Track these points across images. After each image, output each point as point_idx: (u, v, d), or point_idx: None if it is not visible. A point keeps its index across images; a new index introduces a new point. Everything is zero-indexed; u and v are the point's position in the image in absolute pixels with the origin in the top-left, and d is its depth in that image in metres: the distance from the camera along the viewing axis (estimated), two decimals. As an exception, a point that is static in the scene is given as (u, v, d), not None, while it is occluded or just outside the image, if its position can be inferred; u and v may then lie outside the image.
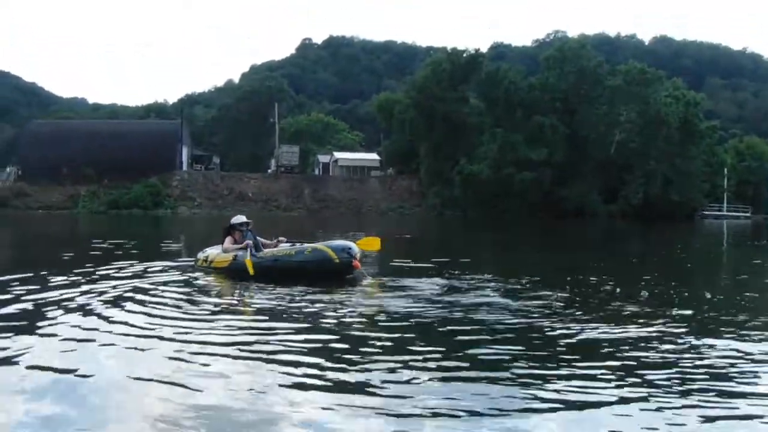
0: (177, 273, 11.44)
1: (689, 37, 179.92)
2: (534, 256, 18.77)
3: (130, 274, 11.20)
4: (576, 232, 36.61)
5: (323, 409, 4.35)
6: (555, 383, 4.85)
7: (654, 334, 6.51)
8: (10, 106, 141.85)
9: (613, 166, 60.82)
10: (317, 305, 8.14)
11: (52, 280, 10.02)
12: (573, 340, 6.32)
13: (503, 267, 14.23)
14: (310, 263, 10.37)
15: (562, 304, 8.26)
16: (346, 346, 6.01)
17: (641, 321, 7.21)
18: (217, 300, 8.77)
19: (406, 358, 5.48)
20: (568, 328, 6.76)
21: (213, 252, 11.76)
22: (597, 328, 6.80)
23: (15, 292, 8.76)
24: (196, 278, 10.83)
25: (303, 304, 8.22)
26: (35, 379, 4.93)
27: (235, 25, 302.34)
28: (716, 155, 67.05)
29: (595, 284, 10.63)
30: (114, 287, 9.35)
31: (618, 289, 9.93)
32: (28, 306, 7.86)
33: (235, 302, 8.81)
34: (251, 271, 10.50)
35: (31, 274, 10.65)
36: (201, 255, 12.03)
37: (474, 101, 67.62)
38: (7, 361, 5.33)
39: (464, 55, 67.65)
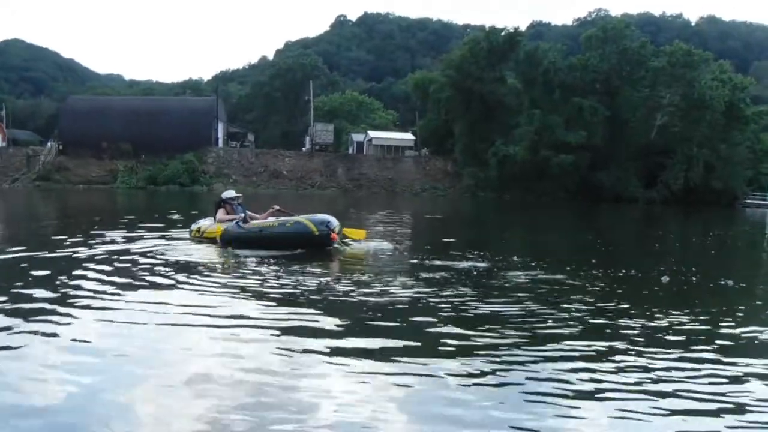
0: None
1: (738, 17, 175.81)
2: (567, 241, 18.29)
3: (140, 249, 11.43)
4: (613, 218, 35.93)
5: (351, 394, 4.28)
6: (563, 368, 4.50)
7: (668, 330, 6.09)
8: (49, 82, 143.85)
9: (654, 151, 59.44)
10: (314, 281, 8.27)
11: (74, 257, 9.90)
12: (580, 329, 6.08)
13: (534, 251, 13.89)
14: (291, 234, 11.14)
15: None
16: (361, 327, 6.01)
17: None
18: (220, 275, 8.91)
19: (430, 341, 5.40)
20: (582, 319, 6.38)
21: (205, 224, 12.73)
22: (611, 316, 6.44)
23: (59, 265, 8.67)
24: (191, 252, 11.23)
25: (313, 282, 8.05)
26: (73, 354, 5.01)
27: (270, 2, 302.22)
28: (762, 142, 65.02)
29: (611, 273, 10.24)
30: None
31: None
32: (58, 282, 7.84)
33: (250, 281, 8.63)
34: (217, 237, 11.73)
35: (67, 248, 10.74)
36: (194, 226, 12.99)
37: (511, 81, 66.50)
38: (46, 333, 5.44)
39: (502, 33, 66.39)
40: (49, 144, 68.54)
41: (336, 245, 11.45)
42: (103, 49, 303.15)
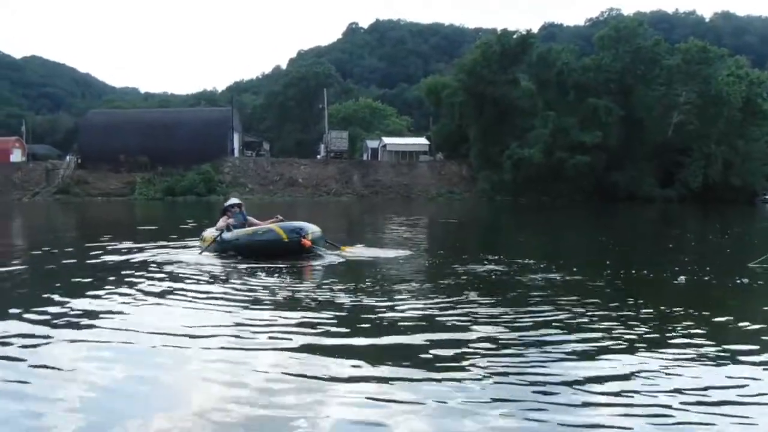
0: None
1: (753, 12, 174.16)
2: (583, 242, 18.20)
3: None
4: (630, 218, 35.59)
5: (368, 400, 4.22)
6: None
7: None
8: (66, 97, 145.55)
9: (670, 149, 59.01)
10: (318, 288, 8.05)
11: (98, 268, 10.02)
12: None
13: (550, 254, 13.76)
14: (263, 242, 11.25)
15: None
16: (374, 333, 5.92)
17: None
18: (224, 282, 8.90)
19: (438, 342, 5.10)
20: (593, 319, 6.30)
21: (207, 232, 12.86)
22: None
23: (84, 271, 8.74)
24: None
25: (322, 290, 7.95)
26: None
27: (282, 12, 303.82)
28: (780, 137, 64.40)
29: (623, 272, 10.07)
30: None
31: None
32: (70, 292, 7.71)
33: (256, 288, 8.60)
34: (203, 245, 12.23)
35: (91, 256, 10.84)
36: (202, 234, 13.15)
37: (525, 84, 66.39)
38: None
39: (514, 36, 66.35)
40: (68, 158, 69.37)
41: (319, 251, 11.54)
42: (119, 63, 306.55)
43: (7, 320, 6.54)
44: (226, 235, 11.96)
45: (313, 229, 11.67)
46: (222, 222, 12.43)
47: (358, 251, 12.67)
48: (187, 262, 11.14)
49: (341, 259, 11.62)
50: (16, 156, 74.49)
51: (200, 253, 12.03)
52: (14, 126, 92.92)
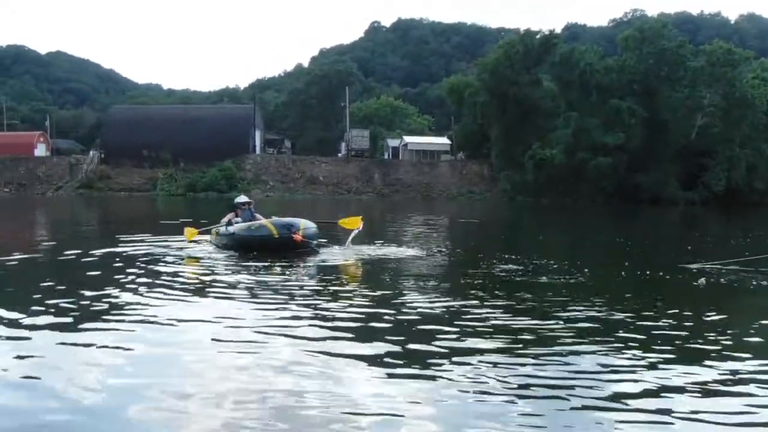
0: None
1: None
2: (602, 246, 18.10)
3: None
4: (651, 220, 35.31)
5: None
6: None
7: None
8: (91, 93, 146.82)
9: (694, 152, 58.40)
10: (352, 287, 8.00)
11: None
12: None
13: (570, 255, 13.69)
14: (256, 237, 11.70)
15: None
16: (393, 333, 5.92)
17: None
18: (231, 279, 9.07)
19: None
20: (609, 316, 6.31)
21: (215, 228, 13.34)
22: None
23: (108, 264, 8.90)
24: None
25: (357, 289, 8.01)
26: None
27: (304, 10, 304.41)
28: (806, 141, 63.53)
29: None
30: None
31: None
32: (85, 285, 7.93)
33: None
34: (188, 238, 13.06)
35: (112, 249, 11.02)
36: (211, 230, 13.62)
37: (547, 84, 66.03)
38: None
39: (538, 36, 66.10)
40: (91, 153, 70.11)
41: (313, 246, 11.89)
42: (142, 59, 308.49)
43: (34, 312, 6.68)
44: (225, 231, 12.52)
45: (306, 224, 12.04)
46: (225, 218, 12.97)
47: (355, 248, 12.74)
48: (196, 257, 11.51)
49: (349, 256, 11.72)
50: (41, 150, 75.32)
51: (212, 244, 12.83)
52: (39, 121, 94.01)
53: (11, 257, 11.44)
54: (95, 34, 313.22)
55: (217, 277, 9.20)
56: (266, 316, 6.65)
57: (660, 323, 6.40)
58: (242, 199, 13.79)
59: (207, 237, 13.77)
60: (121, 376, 4.67)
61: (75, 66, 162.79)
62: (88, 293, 7.70)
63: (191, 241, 13.45)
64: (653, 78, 61.11)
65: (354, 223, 13.47)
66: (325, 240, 12.88)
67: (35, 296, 7.56)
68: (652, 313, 6.86)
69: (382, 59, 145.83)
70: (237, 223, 12.74)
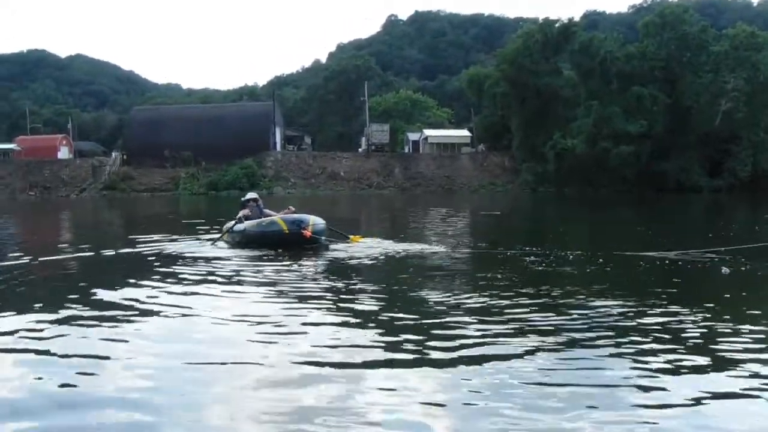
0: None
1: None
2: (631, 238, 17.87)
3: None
4: (676, 208, 34.78)
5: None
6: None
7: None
8: (111, 94, 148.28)
9: (719, 138, 57.65)
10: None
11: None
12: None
13: (591, 245, 13.48)
14: (267, 233, 11.96)
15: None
16: (413, 328, 5.88)
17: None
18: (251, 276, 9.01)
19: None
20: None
21: (228, 224, 13.59)
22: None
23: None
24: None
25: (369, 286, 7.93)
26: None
27: (321, 6, 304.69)
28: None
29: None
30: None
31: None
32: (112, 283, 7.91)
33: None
34: (221, 236, 13.24)
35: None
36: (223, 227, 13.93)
37: (567, 73, 65.57)
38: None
39: (557, 25, 65.60)
40: (113, 154, 70.76)
41: (322, 242, 12.08)
42: (161, 60, 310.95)
43: (61, 310, 6.72)
44: (238, 227, 12.75)
45: (315, 220, 12.18)
46: (239, 215, 13.19)
47: (371, 243, 12.83)
48: (207, 255, 11.45)
49: (369, 251, 11.69)
50: (64, 153, 76.23)
51: (212, 244, 12.88)
52: (61, 123, 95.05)
53: (37, 257, 11.67)
54: (114, 36, 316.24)
55: (237, 274, 9.21)
56: (285, 311, 6.65)
57: (685, 318, 6.16)
58: (250, 195, 14.11)
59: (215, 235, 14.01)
60: (142, 370, 4.72)
61: (95, 68, 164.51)
62: (111, 291, 7.79)
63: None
64: (675, 64, 60.35)
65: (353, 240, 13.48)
66: (338, 233, 13.14)
67: (66, 294, 7.60)
68: (678, 308, 6.61)
69: (399, 53, 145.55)
70: (247, 219, 13.00)
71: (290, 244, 11.63)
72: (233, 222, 13.26)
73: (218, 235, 13.49)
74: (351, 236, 13.15)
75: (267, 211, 13.43)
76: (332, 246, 12.13)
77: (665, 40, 60.52)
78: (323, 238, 12.21)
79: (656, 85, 59.01)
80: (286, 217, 12.15)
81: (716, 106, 58.25)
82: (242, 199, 14.05)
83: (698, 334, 5.58)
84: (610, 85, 59.87)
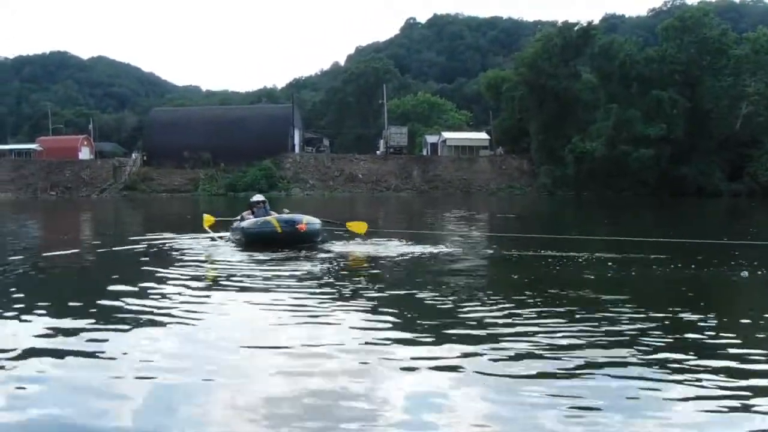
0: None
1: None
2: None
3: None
4: (695, 212, 34.48)
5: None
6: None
7: None
8: (131, 96, 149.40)
9: (739, 142, 57.18)
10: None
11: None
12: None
13: (609, 248, 13.40)
14: (262, 232, 12.38)
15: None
16: (431, 328, 5.94)
17: None
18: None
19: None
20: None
21: (236, 223, 14.16)
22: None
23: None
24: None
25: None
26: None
27: (339, 8, 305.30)
28: None
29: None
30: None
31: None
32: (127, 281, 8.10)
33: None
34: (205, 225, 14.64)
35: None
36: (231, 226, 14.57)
37: (587, 76, 65.30)
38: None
39: (576, 28, 65.37)
40: (134, 155, 71.35)
41: (317, 240, 12.77)
42: (181, 62, 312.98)
43: (81, 309, 6.90)
44: (237, 225, 13.57)
45: (309, 219, 12.63)
46: (243, 215, 13.92)
47: (388, 244, 13.28)
48: (224, 254, 11.95)
49: (386, 252, 11.89)
50: (85, 154, 77.07)
51: (225, 240, 13.74)
52: (82, 124, 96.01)
53: (59, 255, 12.07)
54: (135, 38, 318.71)
55: (248, 272, 9.44)
56: (301, 310, 6.77)
57: (705, 324, 6.13)
58: (258, 198, 14.63)
59: (225, 233, 14.53)
60: (157, 371, 4.79)
61: (116, 70, 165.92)
62: (129, 289, 7.97)
63: (209, 228, 14.84)
64: (695, 67, 59.97)
65: (360, 228, 14.04)
66: (331, 222, 13.94)
67: (85, 291, 7.84)
68: (695, 308, 6.63)
69: (418, 55, 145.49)
70: (250, 219, 13.57)
71: (285, 243, 12.11)
72: (236, 221, 14.01)
73: (227, 234, 14.11)
74: (347, 223, 13.78)
75: (273, 212, 13.85)
76: (348, 245, 12.46)
77: (685, 43, 60.18)
78: (318, 237, 12.87)
79: (676, 89, 58.64)
80: (280, 217, 12.62)
81: (736, 110, 57.90)
82: (251, 200, 14.56)
83: (719, 341, 5.56)
84: (630, 88, 59.57)
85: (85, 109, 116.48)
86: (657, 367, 4.80)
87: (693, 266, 10.01)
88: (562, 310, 6.63)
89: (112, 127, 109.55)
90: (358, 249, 12.38)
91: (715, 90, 58.28)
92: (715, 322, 6.16)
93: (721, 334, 5.72)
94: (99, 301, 7.19)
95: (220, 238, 13.96)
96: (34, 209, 39.66)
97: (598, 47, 62.41)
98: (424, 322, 6.16)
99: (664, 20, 69.41)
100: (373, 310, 6.69)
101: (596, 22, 72.50)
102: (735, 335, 5.71)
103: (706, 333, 5.76)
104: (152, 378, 4.61)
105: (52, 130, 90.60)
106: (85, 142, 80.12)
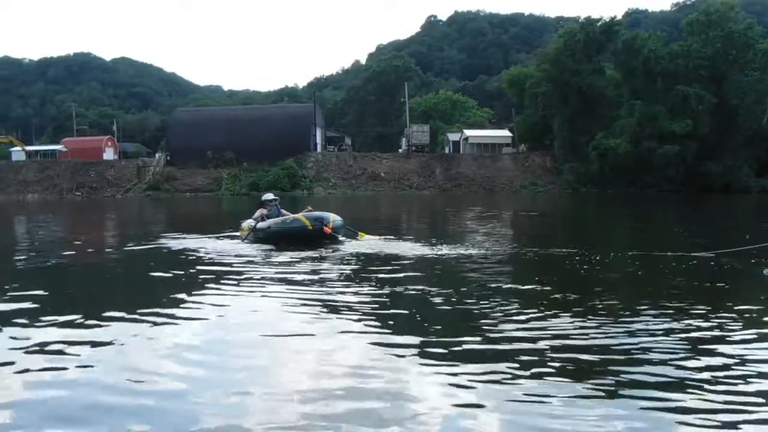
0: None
1: None
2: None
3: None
4: (722, 208, 34.03)
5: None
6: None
7: None
8: (154, 96, 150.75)
9: (766, 137, 56.39)
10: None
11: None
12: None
13: (632, 245, 13.29)
14: (292, 229, 12.79)
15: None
16: (451, 329, 5.96)
17: None
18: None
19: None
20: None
21: (245, 222, 14.49)
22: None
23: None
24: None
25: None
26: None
27: (361, 7, 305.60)
28: None
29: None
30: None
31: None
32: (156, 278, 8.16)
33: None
34: (243, 235, 13.97)
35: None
36: (240, 225, 14.79)
37: (610, 72, 64.73)
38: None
39: (599, 24, 64.84)
40: (157, 155, 71.89)
41: (339, 237, 13.13)
42: (203, 62, 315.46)
43: (110, 305, 6.94)
44: (260, 225, 13.67)
45: (334, 218, 13.11)
46: (257, 213, 14.17)
47: (375, 240, 13.63)
48: (247, 252, 12.04)
49: (407, 252, 11.91)
50: (109, 154, 77.73)
51: (243, 241, 13.64)
52: (105, 125, 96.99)
53: (85, 254, 12.34)
54: (157, 39, 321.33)
55: (274, 271, 9.55)
56: (322, 306, 6.84)
57: (724, 317, 6.10)
58: (269, 196, 14.98)
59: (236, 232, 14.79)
60: (184, 365, 4.88)
61: (139, 71, 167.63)
62: (158, 288, 8.18)
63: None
64: (721, 62, 59.23)
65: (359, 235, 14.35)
66: (350, 230, 14.00)
67: (111, 290, 7.87)
68: (715, 308, 6.54)
69: (439, 53, 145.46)
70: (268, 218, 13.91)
71: (312, 240, 12.53)
72: (251, 221, 14.14)
73: (245, 233, 14.10)
74: (360, 232, 14.05)
75: (283, 210, 14.38)
76: (370, 246, 12.56)
77: (710, 38, 59.44)
78: (341, 235, 13.29)
79: (701, 84, 57.92)
80: (309, 215, 12.94)
81: (763, 105, 57.09)
82: (262, 198, 14.96)
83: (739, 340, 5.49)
84: (654, 84, 59.00)
85: (109, 110, 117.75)
86: (683, 366, 4.78)
87: (720, 264, 9.89)
88: (583, 311, 6.56)
89: (135, 128, 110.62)
90: (378, 248, 12.32)
91: (742, 85, 57.59)
92: (740, 322, 6.10)
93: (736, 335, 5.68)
94: (128, 297, 7.34)
95: (241, 238, 14.04)
96: (60, 210, 40.06)
97: (622, 43, 61.91)
98: (443, 326, 6.12)
99: (689, 15, 68.55)
100: (391, 306, 6.76)
101: (619, 17, 71.69)
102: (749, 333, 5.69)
103: (733, 339, 5.64)
104: (174, 372, 4.70)
105: (76, 131, 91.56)
106: (110, 143, 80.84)
